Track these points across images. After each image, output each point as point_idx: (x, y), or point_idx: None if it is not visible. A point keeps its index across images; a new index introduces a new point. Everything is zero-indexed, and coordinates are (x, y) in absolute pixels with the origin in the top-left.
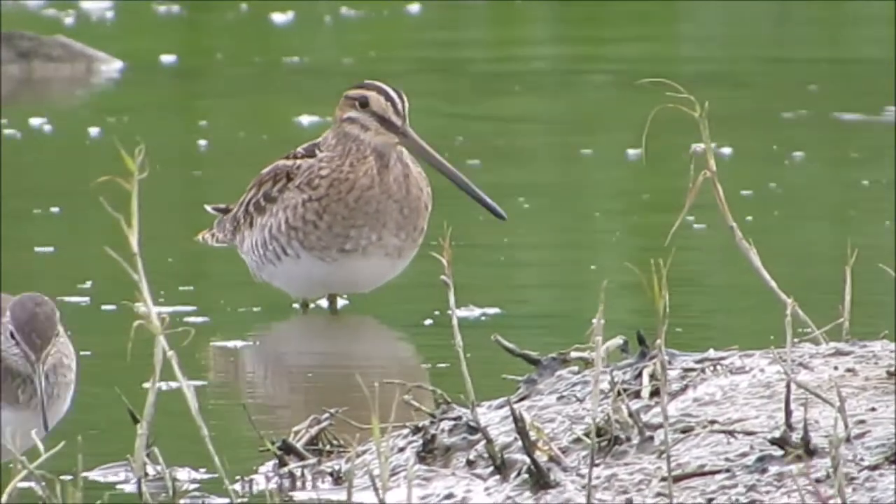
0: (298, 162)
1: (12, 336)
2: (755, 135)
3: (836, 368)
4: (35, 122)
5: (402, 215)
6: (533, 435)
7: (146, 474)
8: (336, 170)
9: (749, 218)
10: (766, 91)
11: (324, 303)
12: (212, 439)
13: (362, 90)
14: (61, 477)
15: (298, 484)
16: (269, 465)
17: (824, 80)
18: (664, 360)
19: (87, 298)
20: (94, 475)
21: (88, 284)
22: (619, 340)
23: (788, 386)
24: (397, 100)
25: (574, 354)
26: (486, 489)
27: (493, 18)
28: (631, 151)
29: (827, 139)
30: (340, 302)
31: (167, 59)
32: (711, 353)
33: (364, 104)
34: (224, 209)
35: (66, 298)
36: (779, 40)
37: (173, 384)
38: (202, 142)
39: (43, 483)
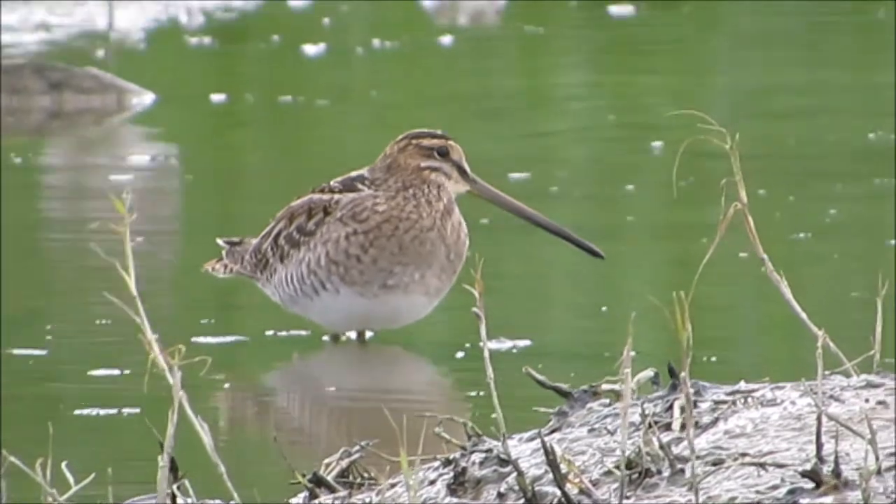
0: (336, 196)
1: None
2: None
3: (867, 401)
4: (64, 153)
5: (448, 260)
6: (564, 467)
7: None
8: (396, 208)
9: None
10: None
11: (352, 334)
12: (241, 471)
13: (439, 140)
14: None
15: None
16: (300, 497)
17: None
18: (689, 392)
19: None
20: None
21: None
22: (649, 373)
23: (819, 418)
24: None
25: (605, 387)
26: None
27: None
28: (654, 144)
29: (856, 168)
30: (367, 333)
31: (199, 90)
32: (742, 385)
33: (444, 153)
34: (237, 242)
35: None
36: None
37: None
38: (233, 173)
39: None
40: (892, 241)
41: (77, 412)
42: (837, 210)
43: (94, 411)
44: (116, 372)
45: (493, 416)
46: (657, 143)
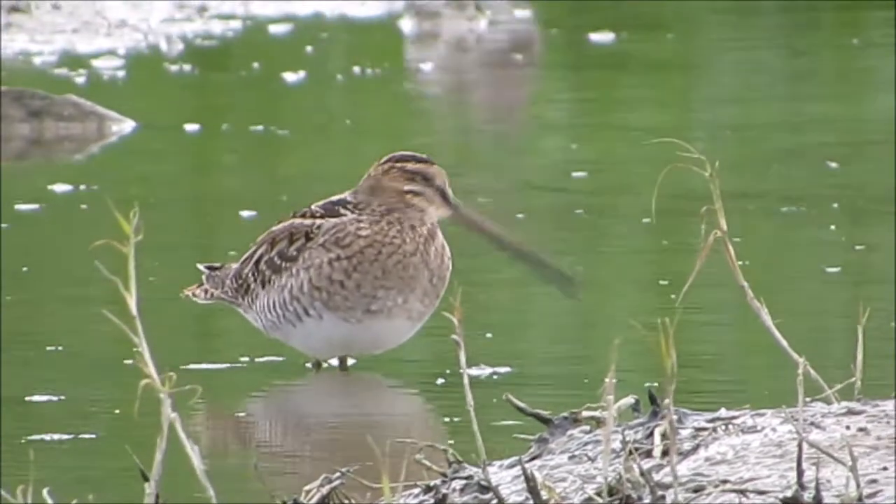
0: (318, 221)
1: None
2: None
3: (847, 428)
4: (44, 181)
5: (430, 284)
6: (544, 494)
7: None
8: (379, 232)
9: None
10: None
11: (334, 361)
12: (221, 498)
13: (424, 164)
14: None
15: None
16: None
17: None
18: (673, 419)
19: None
20: None
21: None
22: (630, 400)
23: (800, 445)
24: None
25: (586, 414)
26: None
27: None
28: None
29: (836, 195)
30: (349, 360)
31: (179, 118)
32: (723, 412)
33: (427, 178)
34: (217, 267)
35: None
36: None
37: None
38: (213, 201)
39: None
40: (831, 269)
41: (31, 438)
42: (817, 234)
43: (47, 437)
44: (55, 398)
45: (474, 442)
46: (638, 169)
